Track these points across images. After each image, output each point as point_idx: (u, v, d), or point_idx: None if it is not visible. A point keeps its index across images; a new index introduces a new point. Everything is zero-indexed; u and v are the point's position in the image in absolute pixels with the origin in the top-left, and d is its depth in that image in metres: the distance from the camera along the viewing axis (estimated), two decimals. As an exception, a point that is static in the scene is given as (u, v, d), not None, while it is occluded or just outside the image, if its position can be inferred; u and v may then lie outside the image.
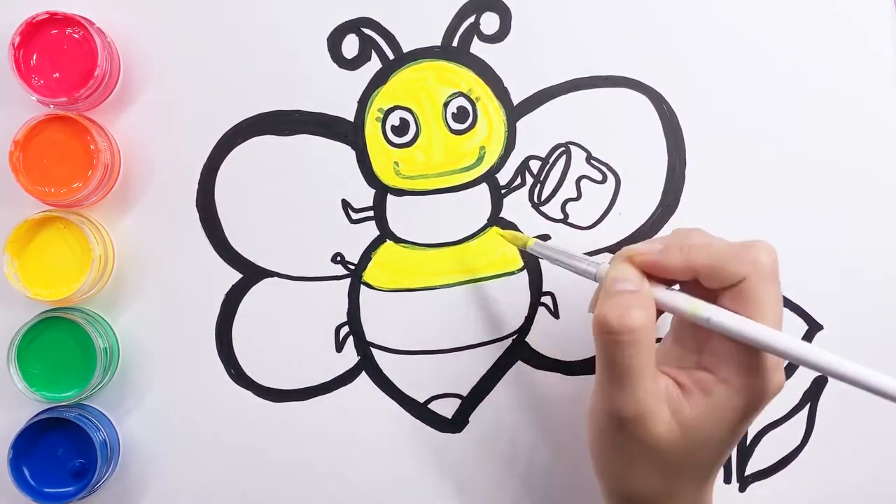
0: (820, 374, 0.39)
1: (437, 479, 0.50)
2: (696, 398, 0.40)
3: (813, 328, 0.51)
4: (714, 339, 0.40)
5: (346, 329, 0.50)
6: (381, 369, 0.50)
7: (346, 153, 0.50)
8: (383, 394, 0.50)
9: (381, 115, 0.50)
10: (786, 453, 0.51)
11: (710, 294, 0.40)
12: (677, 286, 0.42)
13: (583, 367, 0.51)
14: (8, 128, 0.47)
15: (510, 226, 0.51)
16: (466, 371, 0.50)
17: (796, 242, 0.51)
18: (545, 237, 0.51)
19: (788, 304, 0.51)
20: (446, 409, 0.51)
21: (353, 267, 0.50)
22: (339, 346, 0.50)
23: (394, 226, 0.50)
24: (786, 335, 0.38)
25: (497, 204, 0.51)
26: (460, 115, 0.51)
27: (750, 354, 0.39)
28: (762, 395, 0.40)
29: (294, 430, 0.50)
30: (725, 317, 0.39)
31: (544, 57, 0.51)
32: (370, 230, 0.50)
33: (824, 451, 0.51)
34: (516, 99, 0.51)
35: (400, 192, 0.51)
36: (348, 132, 0.50)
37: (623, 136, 0.51)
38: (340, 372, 0.50)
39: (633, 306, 0.39)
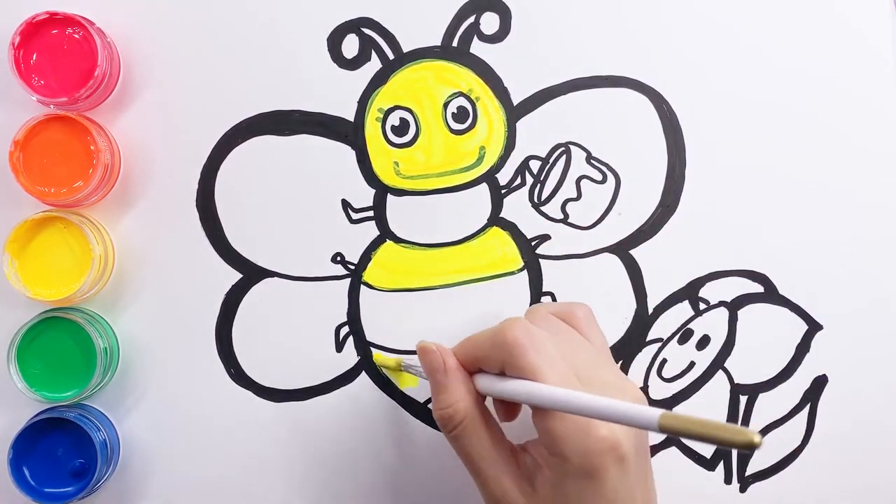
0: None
1: (438, 479, 0.50)
2: (545, 472, 0.41)
3: (813, 328, 0.52)
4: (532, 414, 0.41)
5: (346, 329, 0.50)
6: (381, 369, 0.50)
7: (346, 153, 0.50)
8: (383, 394, 0.50)
9: (381, 115, 0.50)
10: (786, 453, 0.51)
11: None
12: None
13: (583, 367, 0.51)
14: (8, 128, 0.47)
15: (510, 226, 0.51)
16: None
17: (796, 242, 0.51)
18: (545, 237, 0.51)
19: (788, 304, 0.51)
20: (446, 409, 0.51)
21: (353, 267, 0.50)
22: (339, 346, 0.50)
23: (394, 226, 0.50)
24: (547, 387, 0.39)
25: (497, 204, 0.51)
26: (460, 115, 0.51)
27: (550, 420, 0.39)
28: (588, 454, 0.39)
29: (294, 430, 0.50)
30: (487, 383, 0.42)
31: (544, 57, 0.51)
32: (370, 230, 0.50)
33: (824, 451, 0.51)
34: (516, 99, 0.51)
35: (400, 192, 0.51)
36: (348, 132, 0.50)
37: (623, 136, 0.51)
38: (340, 372, 0.50)
39: (448, 399, 0.42)
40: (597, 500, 0.39)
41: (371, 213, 0.50)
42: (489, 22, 0.51)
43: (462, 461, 0.43)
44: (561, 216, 0.51)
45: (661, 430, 0.33)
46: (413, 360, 0.47)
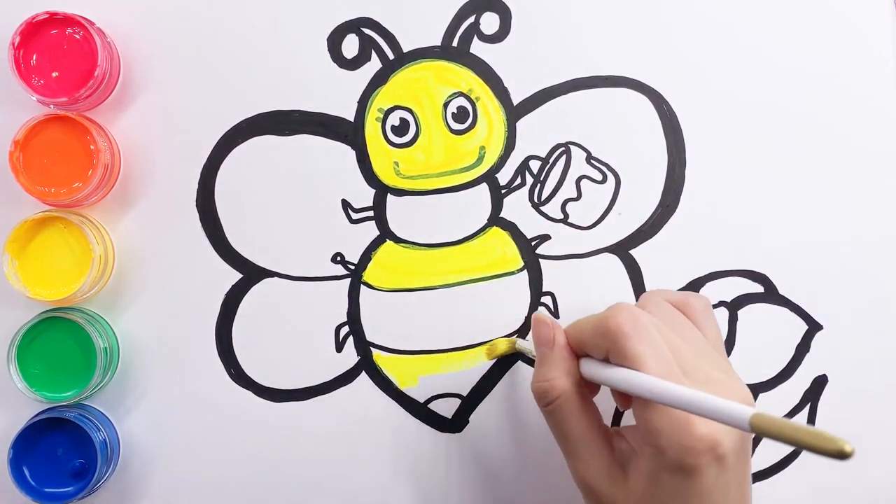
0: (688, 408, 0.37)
1: (437, 479, 0.50)
2: (639, 460, 0.40)
3: (813, 328, 0.52)
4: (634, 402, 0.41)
5: (346, 329, 0.50)
6: (381, 369, 0.50)
7: (346, 153, 0.50)
8: (383, 394, 0.50)
9: (381, 115, 0.50)
10: (786, 453, 0.51)
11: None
12: None
13: (583, 367, 0.51)
14: (8, 128, 0.47)
15: (510, 226, 0.51)
16: (466, 371, 0.50)
17: (796, 242, 0.51)
18: (545, 237, 0.51)
19: (788, 304, 0.51)
20: (446, 409, 0.51)
21: (353, 267, 0.50)
22: (339, 346, 0.50)
23: (394, 226, 0.51)
24: (644, 376, 0.38)
25: (497, 204, 0.51)
26: (460, 115, 0.51)
27: (650, 412, 0.39)
28: (686, 451, 0.38)
29: (294, 430, 0.50)
30: (591, 368, 0.41)
31: (544, 57, 0.51)
32: (370, 230, 0.50)
33: (824, 451, 0.51)
34: (516, 99, 0.51)
35: (400, 192, 0.51)
36: (348, 132, 0.50)
37: (623, 136, 0.51)
38: (340, 372, 0.50)
39: (548, 374, 0.41)
40: (689, 498, 0.38)
41: (371, 213, 0.50)
42: (489, 22, 0.51)
43: (555, 438, 0.43)
44: (561, 216, 0.51)
45: (752, 429, 0.33)
46: (527, 342, 0.47)
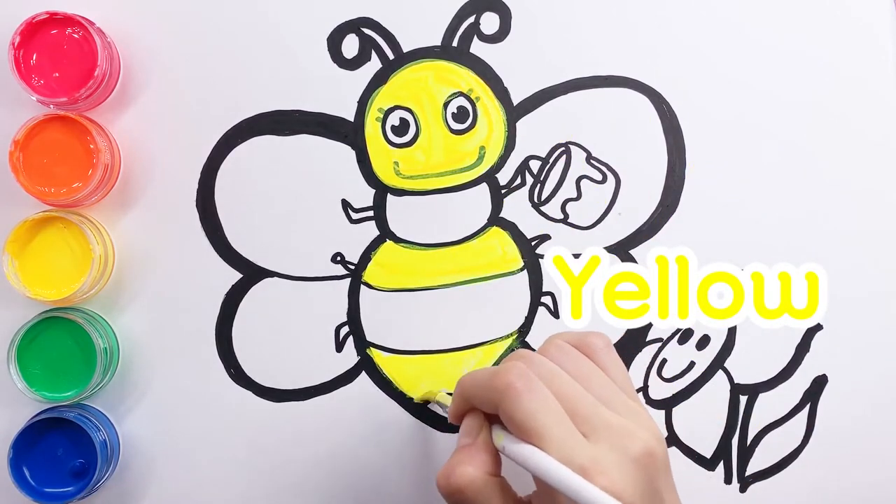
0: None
1: (437, 479, 0.50)
2: None
3: (813, 328, 0.51)
4: None
5: (346, 329, 0.50)
6: (381, 369, 0.50)
7: (346, 153, 0.50)
8: (383, 394, 0.50)
9: (381, 115, 0.50)
10: (786, 453, 0.51)
11: None
12: None
13: (583, 367, 0.51)
14: (8, 128, 0.47)
15: (510, 226, 0.51)
16: (466, 371, 0.50)
17: (796, 242, 0.51)
18: (545, 237, 0.51)
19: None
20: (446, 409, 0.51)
21: (353, 267, 0.50)
22: (339, 346, 0.50)
23: (394, 226, 0.51)
24: (540, 455, 0.36)
25: (497, 204, 0.51)
26: (460, 114, 0.51)
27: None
28: None
29: (294, 430, 0.50)
30: (509, 441, 0.38)
31: (544, 57, 0.51)
32: (370, 230, 0.50)
33: (824, 451, 0.51)
34: (516, 99, 0.51)
35: (400, 192, 0.51)
36: (348, 132, 0.50)
37: (623, 136, 0.51)
38: (340, 372, 0.50)
39: (461, 462, 0.39)
40: None
41: (371, 213, 0.50)
42: (489, 22, 0.51)
43: None
44: (561, 216, 0.51)
45: None
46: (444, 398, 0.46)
